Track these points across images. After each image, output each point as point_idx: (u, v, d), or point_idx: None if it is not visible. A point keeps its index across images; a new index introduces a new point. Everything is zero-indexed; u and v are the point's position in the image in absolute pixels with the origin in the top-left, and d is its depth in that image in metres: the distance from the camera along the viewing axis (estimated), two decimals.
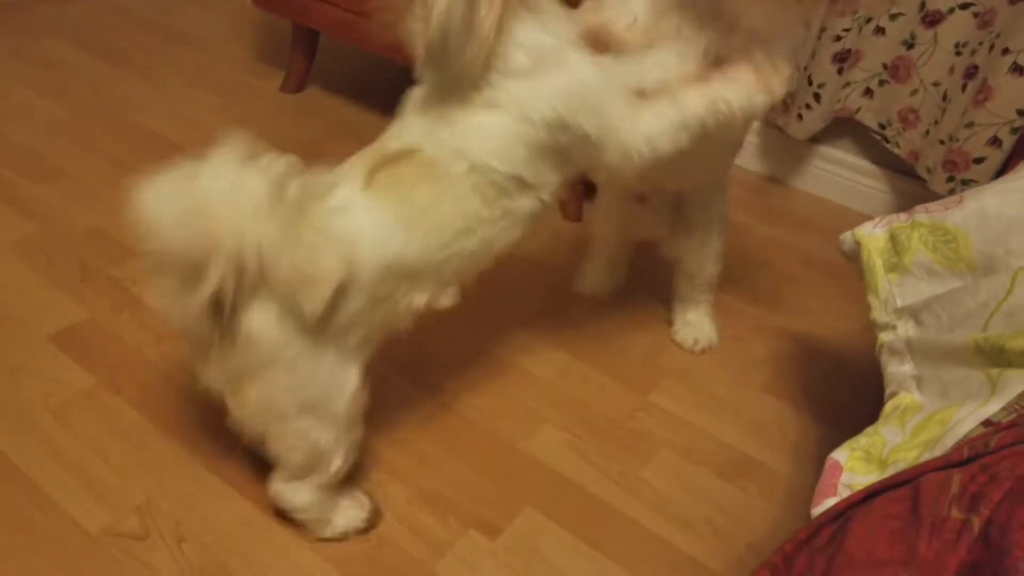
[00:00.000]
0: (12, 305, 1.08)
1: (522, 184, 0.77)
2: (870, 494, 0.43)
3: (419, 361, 1.09)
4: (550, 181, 0.79)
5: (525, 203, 0.79)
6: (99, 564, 0.78)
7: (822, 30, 1.44)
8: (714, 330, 1.22)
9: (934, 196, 1.44)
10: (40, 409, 0.93)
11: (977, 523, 0.36)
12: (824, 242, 1.51)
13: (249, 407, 0.74)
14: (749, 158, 1.75)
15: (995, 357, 0.60)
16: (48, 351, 1.01)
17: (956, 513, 0.38)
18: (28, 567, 0.77)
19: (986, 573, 0.35)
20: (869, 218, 1.62)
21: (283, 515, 0.84)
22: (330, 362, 0.74)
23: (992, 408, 0.53)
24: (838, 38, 1.43)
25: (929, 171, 1.45)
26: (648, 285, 1.32)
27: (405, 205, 0.73)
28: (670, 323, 1.23)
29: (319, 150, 1.58)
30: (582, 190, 1.47)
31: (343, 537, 0.85)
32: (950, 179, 1.41)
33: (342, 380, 0.76)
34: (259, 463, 0.85)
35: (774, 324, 1.29)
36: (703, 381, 1.15)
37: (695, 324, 1.21)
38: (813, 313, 1.33)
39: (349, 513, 0.85)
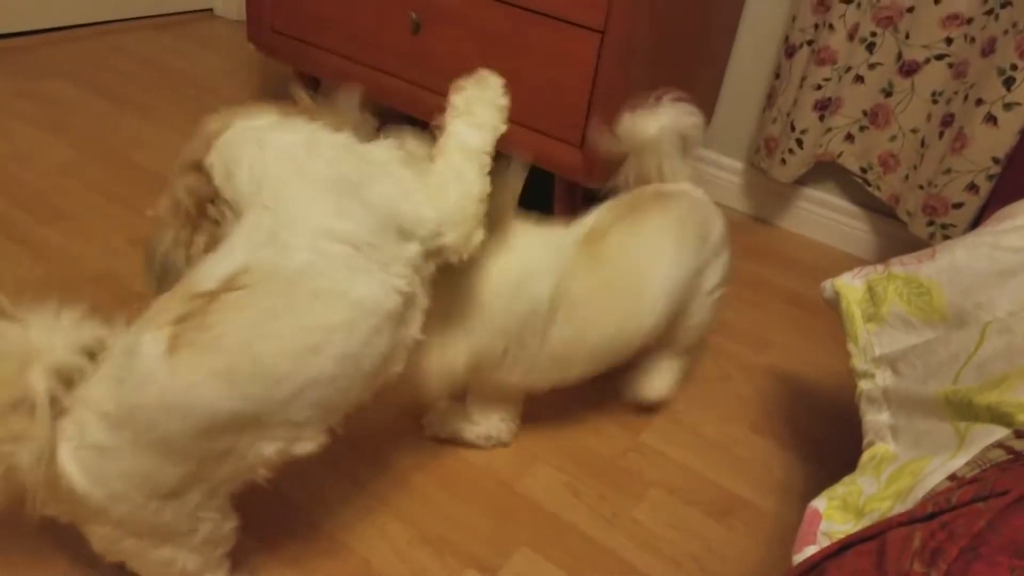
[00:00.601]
0: None
1: (373, 249, 0.70)
2: (843, 547, 0.47)
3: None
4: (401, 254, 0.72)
5: (384, 284, 0.70)
6: None
7: (803, 79, 1.50)
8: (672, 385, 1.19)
9: (914, 238, 1.50)
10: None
11: None
12: (810, 281, 1.56)
13: (100, 544, 0.70)
14: (735, 198, 1.81)
15: (963, 411, 0.65)
16: None
17: (918, 567, 0.42)
18: None
19: None
20: (854, 258, 1.68)
21: None
22: (175, 511, 0.68)
23: (959, 462, 0.57)
24: (819, 87, 1.49)
25: (909, 214, 1.51)
26: None
27: (217, 350, 0.64)
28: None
29: None
30: None
31: None
32: (930, 223, 1.46)
33: (197, 522, 0.70)
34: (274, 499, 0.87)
35: (760, 362, 1.33)
36: (692, 421, 1.19)
37: (655, 375, 1.17)
38: (799, 351, 1.37)
39: None
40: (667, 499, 1.05)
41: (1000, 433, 0.57)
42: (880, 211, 1.64)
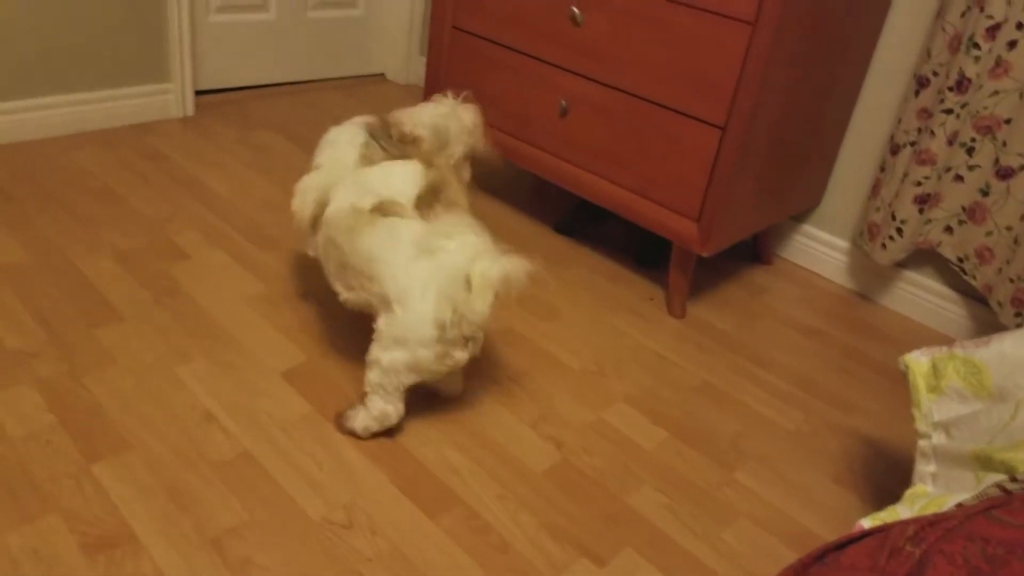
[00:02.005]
0: (252, 345, 1.45)
1: None
2: (863, 535, 0.68)
3: (548, 417, 1.39)
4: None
5: None
6: (319, 542, 1.10)
7: (905, 175, 1.69)
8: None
9: (1003, 327, 1.65)
10: (273, 425, 1.28)
11: (918, 553, 0.61)
12: (899, 355, 1.72)
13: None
14: (839, 274, 1.99)
15: (985, 463, 0.84)
16: (279, 383, 1.37)
17: (908, 547, 0.63)
18: (268, 537, 1.10)
19: None
20: (946, 338, 1.84)
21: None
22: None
23: (967, 496, 0.77)
24: (919, 183, 1.67)
25: (1000, 304, 1.66)
26: (737, 379, 1.58)
27: None
28: (747, 407, 1.49)
29: None
30: (688, 289, 1.75)
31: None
32: (1017, 314, 1.61)
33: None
34: (432, 483, 1.15)
35: (847, 423, 1.52)
36: (782, 466, 1.39)
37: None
38: (882, 416, 1.55)
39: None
40: (752, 527, 1.26)
41: (1002, 477, 0.76)
42: (973, 297, 1.79)
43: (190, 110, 2.38)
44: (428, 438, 1.30)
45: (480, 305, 1.16)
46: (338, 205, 1.29)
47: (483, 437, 1.33)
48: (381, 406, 1.24)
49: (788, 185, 1.78)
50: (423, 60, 2.90)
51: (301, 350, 1.46)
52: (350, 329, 1.53)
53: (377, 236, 1.22)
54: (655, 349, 1.64)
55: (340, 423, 1.29)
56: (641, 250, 1.96)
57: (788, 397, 1.56)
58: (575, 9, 1.70)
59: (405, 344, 1.19)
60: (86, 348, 1.37)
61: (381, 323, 1.23)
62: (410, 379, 1.23)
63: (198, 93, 2.49)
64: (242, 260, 1.69)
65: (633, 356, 1.60)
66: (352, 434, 1.28)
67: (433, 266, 1.17)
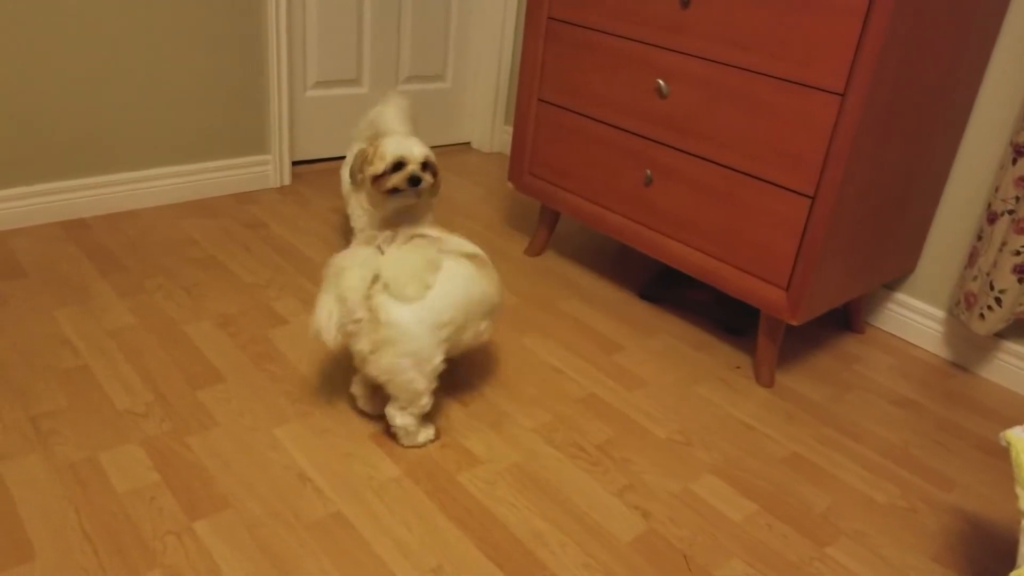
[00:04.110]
0: (344, 408, 1.49)
1: None
2: None
3: (635, 486, 1.37)
4: None
5: None
6: None
7: (1003, 244, 1.64)
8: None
9: None
10: (365, 487, 1.31)
11: None
12: (1000, 429, 1.64)
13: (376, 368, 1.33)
14: (935, 343, 1.92)
15: None
16: (368, 445, 1.40)
17: None
18: None
19: None
20: None
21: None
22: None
23: None
24: (1018, 252, 1.62)
25: None
26: (828, 451, 1.53)
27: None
28: (839, 480, 1.43)
29: (552, 305, 1.96)
30: (776, 357, 1.72)
31: (421, 446, 1.41)
32: None
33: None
34: (519, 551, 1.15)
35: (947, 500, 1.45)
36: (877, 543, 1.33)
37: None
38: (984, 494, 1.47)
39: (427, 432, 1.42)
40: None
41: None
42: None
43: (287, 180, 2.51)
44: (515, 505, 1.31)
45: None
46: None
47: (569, 505, 1.32)
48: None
49: (880, 253, 1.74)
50: (507, 129, 2.99)
51: None
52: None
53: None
54: (743, 419, 1.61)
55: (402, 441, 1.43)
56: (727, 317, 1.94)
57: (882, 470, 1.51)
58: (661, 81, 1.74)
59: None
60: (189, 409, 1.44)
61: None
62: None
63: (294, 163, 2.63)
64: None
65: (720, 426, 1.58)
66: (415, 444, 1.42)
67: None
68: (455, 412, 1.52)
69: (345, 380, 1.57)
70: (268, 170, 2.47)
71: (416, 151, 1.75)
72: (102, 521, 1.18)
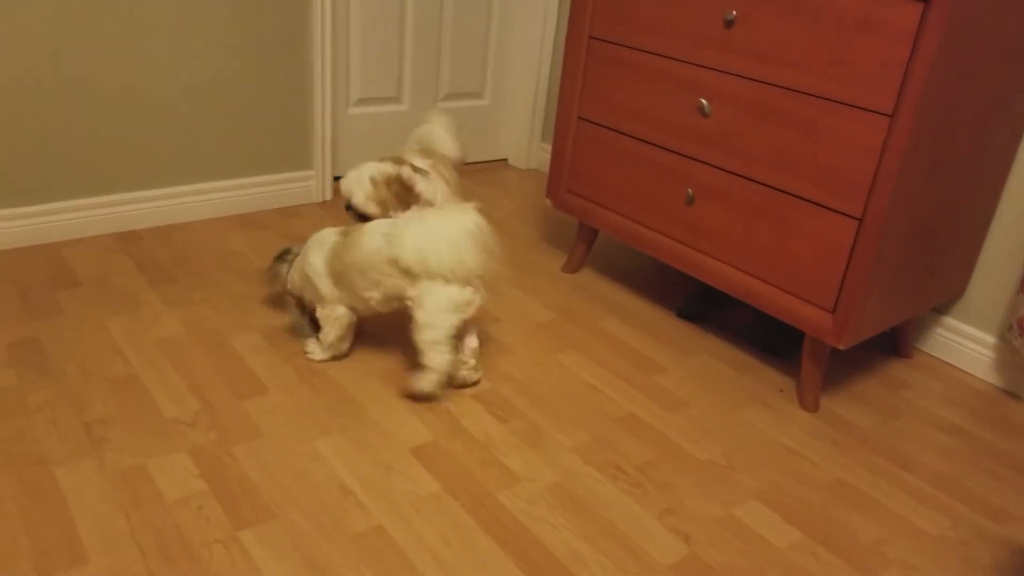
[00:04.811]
0: (383, 421, 1.50)
1: None
2: None
3: (676, 509, 1.36)
4: None
5: None
6: None
7: None
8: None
9: None
10: (405, 501, 1.31)
11: None
12: None
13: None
14: (985, 370, 1.88)
15: None
16: (408, 460, 1.41)
17: None
18: None
19: None
20: None
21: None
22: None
23: None
24: None
25: None
26: (875, 479, 1.50)
27: None
28: (887, 509, 1.40)
29: (589, 323, 1.95)
30: (821, 381, 1.69)
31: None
32: None
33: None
34: (559, 572, 1.14)
35: (1001, 533, 1.41)
36: (927, 575, 1.30)
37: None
38: None
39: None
40: None
41: None
42: None
43: (328, 195, 2.55)
44: (554, 525, 1.30)
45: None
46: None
47: (609, 527, 1.31)
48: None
49: (929, 276, 1.71)
50: (544, 147, 3.01)
51: (428, 429, 1.50)
52: (472, 413, 1.56)
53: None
54: (787, 444, 1.58)
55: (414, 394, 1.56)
56: (769, 339, 1.92)
57: (932, 501, 1.47)
58: (703, 100, 1.73)
59: None
60: (235, 419, 1.47)
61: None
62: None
63: (336, 179, 2.67)
64: (375, 339, 1.78)
65: (763, 450, 1.56)
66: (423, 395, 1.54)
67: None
68: (493, 428, 1.52)
69: (385, 395, 1.58)
70: (311, 185, 2.51)
71: (354, 188, 1.91)
72: (151, 528, 1.20)
